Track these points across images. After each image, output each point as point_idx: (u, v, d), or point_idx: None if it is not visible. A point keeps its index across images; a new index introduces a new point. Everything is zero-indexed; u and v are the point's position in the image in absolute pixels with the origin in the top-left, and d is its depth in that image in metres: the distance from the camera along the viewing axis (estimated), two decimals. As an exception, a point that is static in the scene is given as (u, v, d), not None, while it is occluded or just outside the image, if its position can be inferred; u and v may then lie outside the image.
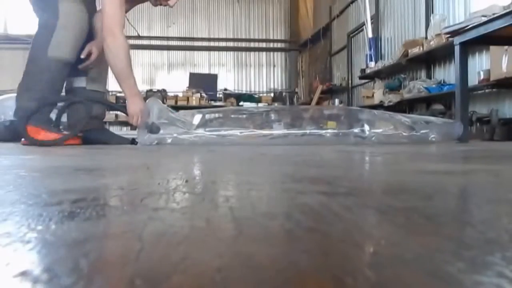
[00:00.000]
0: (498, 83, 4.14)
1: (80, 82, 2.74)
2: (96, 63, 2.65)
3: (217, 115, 2.68)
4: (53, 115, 2.63)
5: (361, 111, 2.59)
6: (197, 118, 2.41)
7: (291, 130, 2.40)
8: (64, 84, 2.64)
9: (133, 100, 2.40)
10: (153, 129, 2.30)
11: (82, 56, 2.59)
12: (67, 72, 2.58)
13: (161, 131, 2.30)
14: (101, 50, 2.55)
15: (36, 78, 2.50)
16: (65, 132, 2.52)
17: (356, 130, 2.27)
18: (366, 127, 2.24)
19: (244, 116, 2.56)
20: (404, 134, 2.27)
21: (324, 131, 2.32)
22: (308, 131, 2.34)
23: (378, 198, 0.50)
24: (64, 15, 2.48)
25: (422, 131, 2.26)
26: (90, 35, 2.63)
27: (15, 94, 2.66)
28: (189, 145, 2.27)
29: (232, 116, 2.59)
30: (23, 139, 2.38)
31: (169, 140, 2.30)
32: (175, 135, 2.31)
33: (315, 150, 1.74)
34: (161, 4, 2.56)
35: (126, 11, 2.69)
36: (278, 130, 2.39)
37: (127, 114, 2.47)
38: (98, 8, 2.72)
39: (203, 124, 2.41)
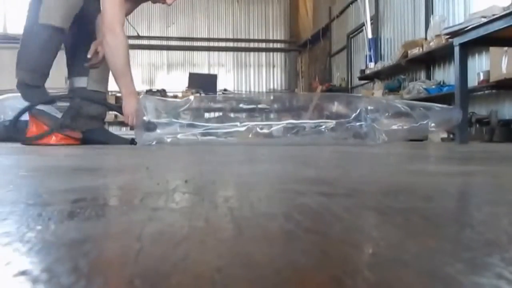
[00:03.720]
0: (497, 84, 4.15)
1: (81, 82, 2.74)
2: (103, 60, 2.64)
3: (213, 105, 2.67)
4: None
5: (360, 99, 2.53)
6: (191, 99, 2.41)
7: (290, 120, 2.36)
8: (56, 55, 2.63)
9: (128, 99, 2.40)
10: (149, 127, 2.29)
11: (89, 56, 2.59)
12: (60, 41, 2.59)
13: (158, 131, 2.29)
14: None
15: (29, 48, 2.52)
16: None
17: (356, 125, 2.24)
18: (365, 123, 2.21)
19: (241, 106, 2.56)
20: (404, 127, 2.24)
21: (323, 124, 2.29)
22: (306, 123, 2.32)
23: (377, 199, 0.50)
24: None
25: (421, 122, 2.22)
26: (89, 29, 2.63)
27: (15, 94, 2.67)
28: (189, 145, 2.27)
29: (228, 106, 2.58)
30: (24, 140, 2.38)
31: (168, 140, 2.29)
32: (174, 135, 2.30)
33: (314, 150, 1.74)
34: (159, 2, 2.56)
35: (129, 12, 2.70)
36: (276, 122, 2.36)
37: (122, 114, 2.47)
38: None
39: (197, 110, 2.41)
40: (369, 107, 2.26)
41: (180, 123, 2.35)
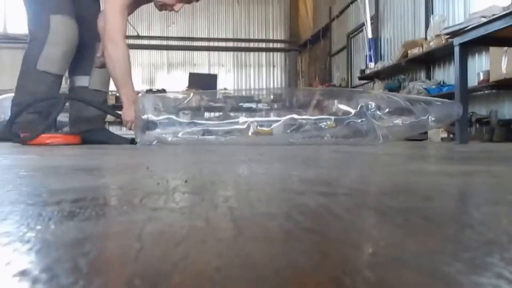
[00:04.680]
0: (497, 84, 4.15)
1: (83, 81, 2.75)
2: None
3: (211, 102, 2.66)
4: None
5: (360, 94, 2.49)
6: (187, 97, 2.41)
7: (290, 116, 2.33)
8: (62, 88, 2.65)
9: (129, 108, 2.41)
10: (149, 126, 2.29)
11: (98, 55, 2.61)
12: (58, 86, 2.60)
13: (158, 130, 2.29)
14: None
15: (27, 91, 2.51)
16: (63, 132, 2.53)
17: (356, 122, 2.21)
18: (366, 119, 2.19)
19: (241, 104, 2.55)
20: (405, 123, 2.21)
21: (323, 122, 2.27)
22: (307, 120, 2.30)
23: (377, 199, 0.50)
24: (55, 30, 2.49)
25: (422, 117, 2.19)
26: (91, 30, 2.63)
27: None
28: (189, 144, 2.27)
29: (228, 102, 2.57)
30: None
31: (168, 139, 2.29)
32: (174, 133, 2.30)
33: (314, 150, 1.74)
34: (166, 9, 2.56)
35: (129, 13, 2.70)
36: (277, 118, 2.34)
37: (120, 119, 2.48)
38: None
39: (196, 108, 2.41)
40: (369, 102, 2.23)
41: (180, 121, 2.34)
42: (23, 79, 2.53)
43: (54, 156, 1.42)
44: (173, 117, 2.34)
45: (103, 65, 2.60)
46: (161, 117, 2.32)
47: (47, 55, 2.47)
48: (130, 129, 2.43)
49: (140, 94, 2.50)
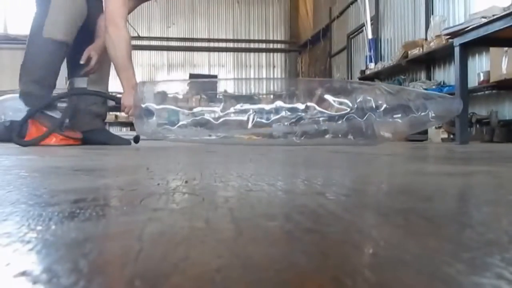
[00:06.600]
0: (497, 84, 4.15)
1: (82, 83, 2.75)
2: (97, 66, 2.65)
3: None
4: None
5: (360, 88, 2.45)
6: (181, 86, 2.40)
7: (288, 112, 2.30)
8: (61, 66, 2.63)
9: (129, 92, 2.39)
10: (147, 114, 2.28)
11: (82, 62, 2.59)
12: (64, 54, 2.59)
13: (155, 118, 2.27)
14: (101, 53, 2.55)
15: (34, 60, 2.51)
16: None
17: (355, 121, 2.18)
18: (365, 118, 2.17)
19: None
20: (405, 117, 2.18)
21: (323, 123, 2.26)
22: (307, 119, 2.28)
23: (377, 200, 0.50)
24: None
25: (421, 113, 2.17)
26: (90, 30, 2.63)
27: (16, 94, 2.66)
28: (188, 141, 2.28)
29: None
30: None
31: (167, 134, 2.28)
32: (173, 126, 2.28)
33: (313, 151, 1.74)
34: None
35: (131, 10, 2.70)
36: (276, 115, 2.31)
37: (119, 104, 2.46)
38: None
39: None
40: (367, 97, 2.20)
41: (179, 112, 2.33)
42: (30, 48, 2.52)
43: (54, 156, 1.42)
44: (173, 107, 2.34)
45: (88, 72, 2.61)
46: (160, 107, 2.31)
47: (52, 20, 2.46)
48: (128, 114, 2.41)
49: (138, 83, 2.46)
